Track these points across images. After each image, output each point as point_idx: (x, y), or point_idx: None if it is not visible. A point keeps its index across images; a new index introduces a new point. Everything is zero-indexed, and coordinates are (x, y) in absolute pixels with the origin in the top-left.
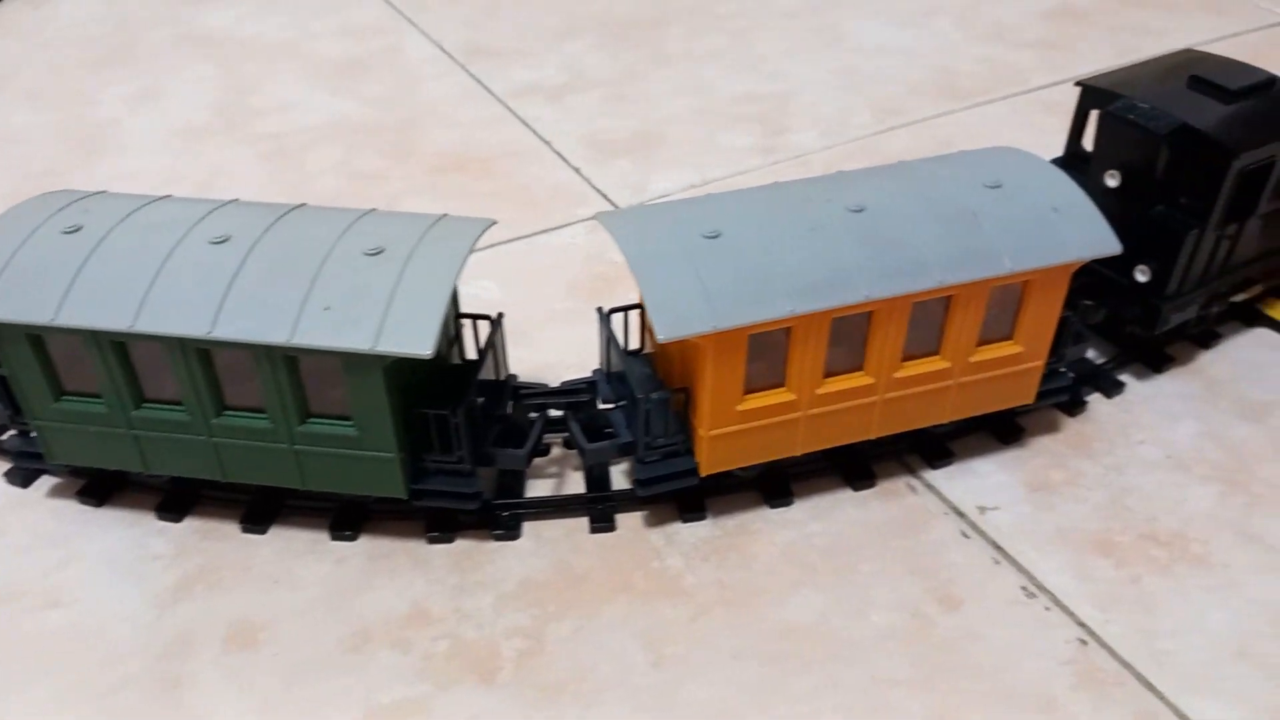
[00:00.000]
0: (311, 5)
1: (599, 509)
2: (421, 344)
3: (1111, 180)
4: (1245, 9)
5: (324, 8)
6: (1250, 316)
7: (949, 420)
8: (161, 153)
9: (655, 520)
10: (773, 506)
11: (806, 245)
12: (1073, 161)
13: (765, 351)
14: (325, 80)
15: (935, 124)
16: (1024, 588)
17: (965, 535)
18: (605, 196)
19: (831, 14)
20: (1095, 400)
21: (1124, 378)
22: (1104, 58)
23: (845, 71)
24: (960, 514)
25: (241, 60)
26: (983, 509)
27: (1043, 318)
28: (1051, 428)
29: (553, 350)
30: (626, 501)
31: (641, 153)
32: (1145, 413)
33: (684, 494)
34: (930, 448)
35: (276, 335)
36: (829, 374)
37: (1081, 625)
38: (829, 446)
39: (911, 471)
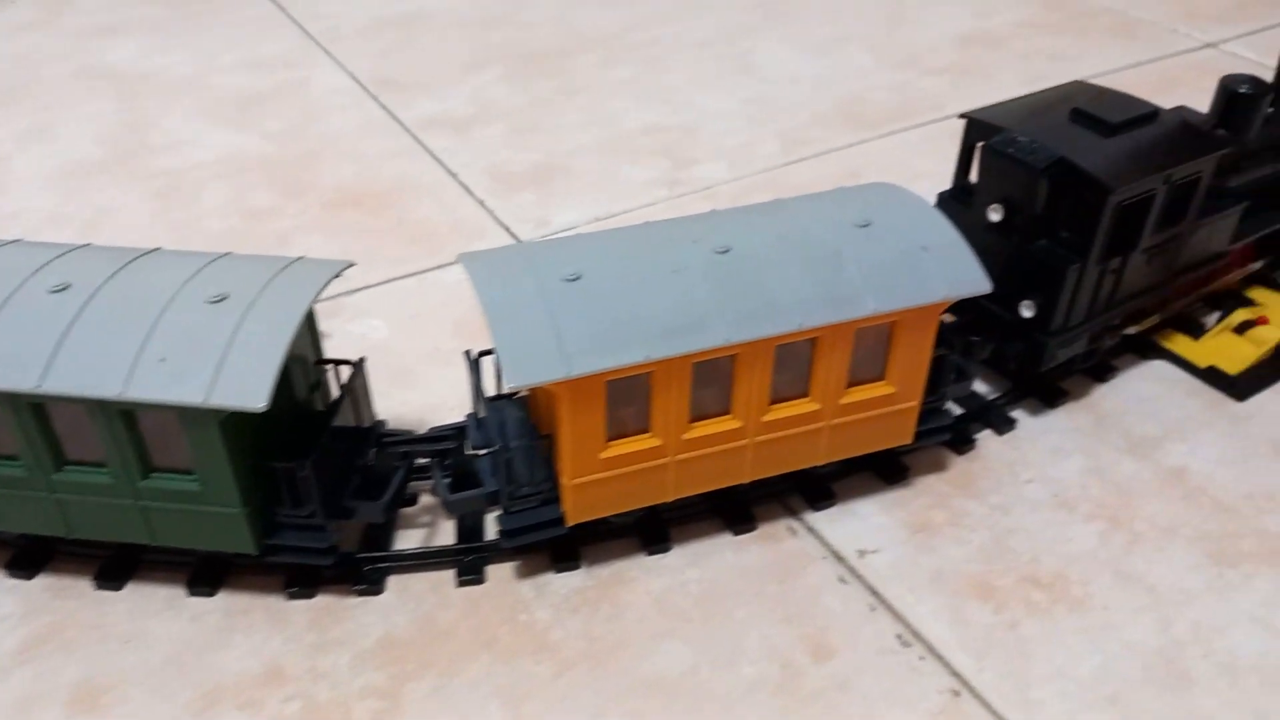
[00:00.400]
0: (221, 38)
1: (467, 561)
2: (256, 397)
3: (994, 214)
4: (1159, 35)
5: (234, 40)
6: (1145, 348)
7: (824, 462)
8: (46, 192)
9: (527, 571)
10: (650, 553)
11: (668, 288)
12: (960, 195)
13: (627, 397)
14: (226, 114)
15: (844, 154)
16: (899, 635)
17: (843, 580)
18: (508, 230)
19: (744, 42)
20: (985, 437)
21: (1016, 414)
22: (1015, 84)
23: (755, 101)
24: (839, 558)
25: (142, 95)
26: (862, 552)
27: (914, 357)
28: (938, 466)
29: (438, 391)
30: (496, 552)
31: (546, 185)
32: (1034, 450)
33: (557, 543)
34: (812, 489)
35: (109, 389)
36: (696, 418)
37: (955, 674)
38: (701, 491)
39: (793, 514)
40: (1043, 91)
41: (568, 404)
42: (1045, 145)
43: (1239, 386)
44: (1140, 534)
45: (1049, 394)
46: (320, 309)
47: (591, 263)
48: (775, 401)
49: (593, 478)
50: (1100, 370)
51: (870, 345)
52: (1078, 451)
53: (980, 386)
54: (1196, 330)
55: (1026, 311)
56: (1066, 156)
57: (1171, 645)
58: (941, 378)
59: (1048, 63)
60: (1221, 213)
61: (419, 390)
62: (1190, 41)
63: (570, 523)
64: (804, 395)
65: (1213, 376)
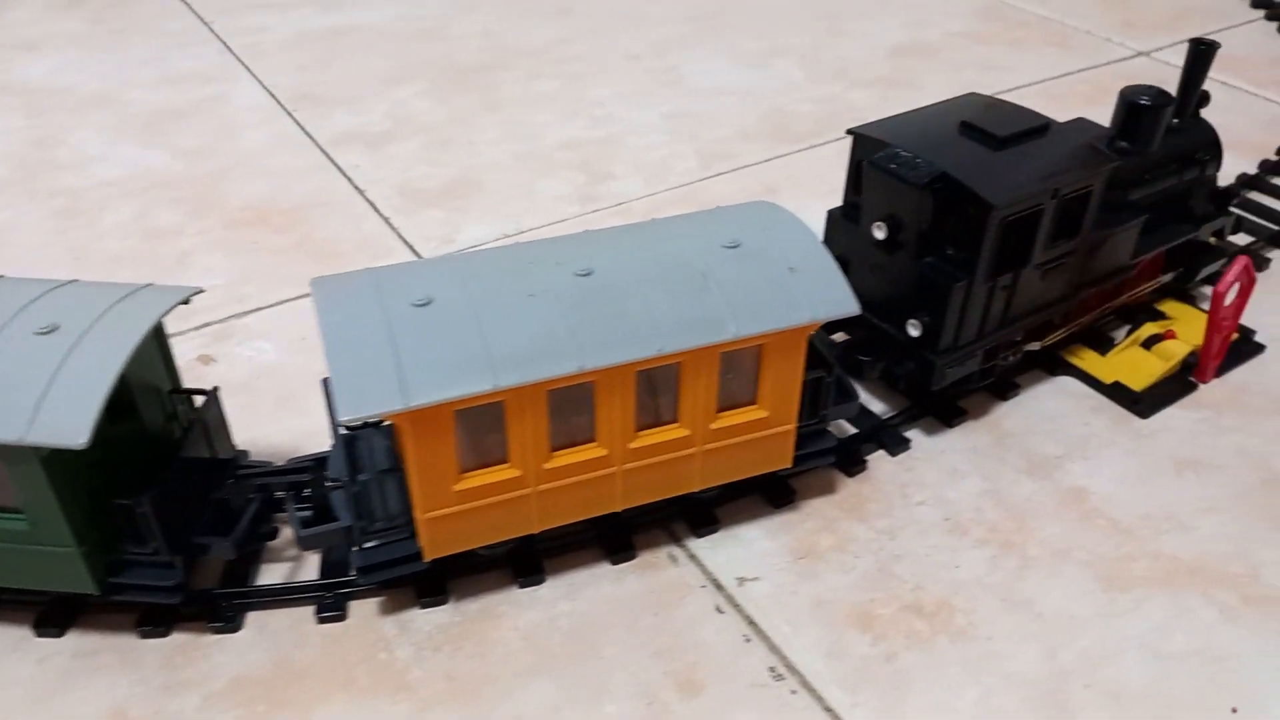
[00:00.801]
0: (142, 53)
1: (328, 597)
2: (77, 434)
3: (878, 232)
4: (1093, 45)
5: (154, 56)
6: (1052, 364)
7: (700, 489)
8: None
9: (391, 607)
10: (522, 586)
11: (522, 313)
12: (850, 212)
13: (481, 427)
14: (138, 131)
15: (763, 169)
16: (772, 668)
17: (720, 610)
18: (412, 248)
19: (674, 55)
20: (878, 459)
21: (912, 433)
22: (945, 95)
23: (679, 115)
24: (719, 586)
25: (53, 111)
26: (742, 580)
27: (785, 381)
28: (828, 489)
29: (324, 418)
30: (360, 588)
31: (457, 202)
32: (929, 470)
33: (422, 577)
34: (696, 514)
35: None
36: (559, 447)
37: (827, 710)
38: (570, 522)
39: (676, 540)
40: (935, 105)
41: (411, 436)
42: (928, 161)
43: (1143, 403)
44: (1032, 558)
45: (947, 413)
46: (209, 332)
47: (445, 288)
48: (643, 428)
49: (448, 511)
50: (1002, 387)
51: (739, 369)
52: (974, 472)
53: (876, 405)
54: (1105, 345)
55: (914, 330)
56: (949, 172)
57: (1056, 675)
58: (821, 399)
59: (980, 73)
60: (1122, 226)
61: (305, 416)
62: (1124, 51)
63: (428, 558)
64: (673, 421)
65: (1118, 393)
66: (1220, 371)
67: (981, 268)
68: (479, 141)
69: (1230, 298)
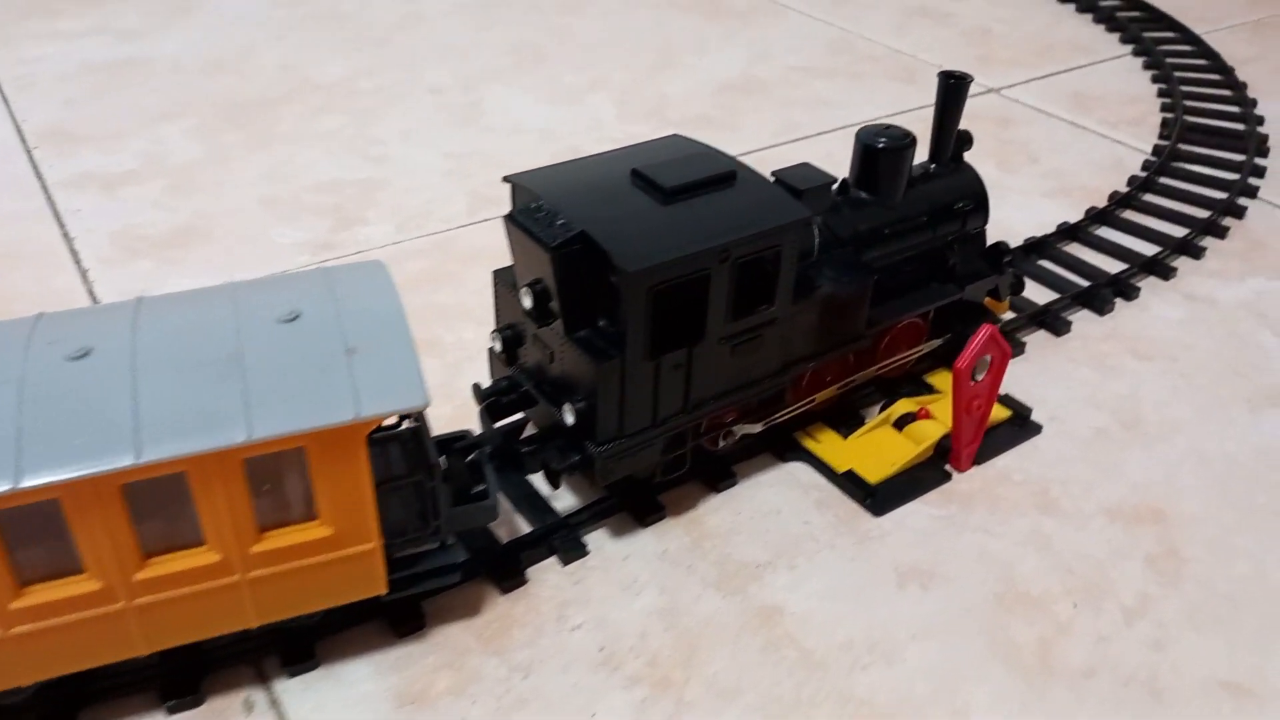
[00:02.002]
0: None
1: None
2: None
3: (525, 300)
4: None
5: None
6: (788, 446)
7: (256, 626)
8: None
9: None
10: None
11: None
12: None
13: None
14: None
15: None
16: None
17: None
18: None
19: (483, 89)
20: (546, 568)
21: (597, 535)
22: (762, 134)
23: (462, 155)
24: None
25: None
26: None
27: (348, 491)
28: (471, 610)
29: None
30: None
31: (174, 252)
32: (601, 583)
33: None
34: (291, 648)
35: None
36: (32, 581)
37: None
38: (63, 673)
39: (264, 680)
40: (628, 148)
41: None
42: (572, 216)
43: (877, 497)
44: (690, 702)
45: (641, 509)
46: None
47: None
48: (154, 554)
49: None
50: (716, 475)
51: (283, 478)
52: (653, 585)
53: (568, 499)
54: (856, 424)
55: (569, 417)
56: (588, 230)
57: None
58: (427, 508)
59: (808, 110)
60: (845, 290)
61: None
62: (975, 88)
63: None
64: (198, 544)
65: (850, 484)
66: (981, 457)
67: (632, 345)
68: (229, 183)
69: (981, 374)
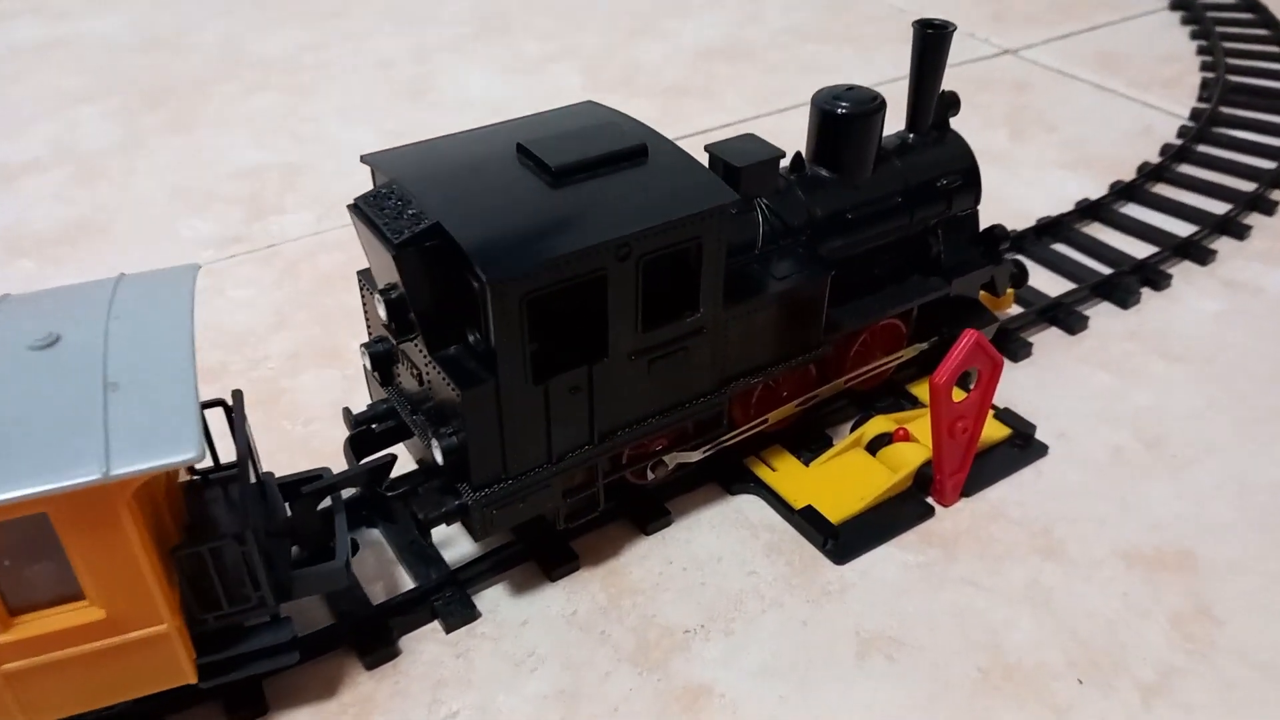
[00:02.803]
0: None
1: None
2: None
3: (381, 309)
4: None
5: None
6: (735, 476)
7: None
8: None
9: None
10: None
11: None
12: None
13: None
14: None
15: None
16: None
17: None
18: None
19: (437, 61)
20: (425, 635)
21: (493, 591)
22: (742, 106)
23: (402, 134)
24: None
25: None
26: None
27: (120, 562)
28: (327, 690)
29: None
30: None
31: (62, 249)
32: (491, 656)
33: None
34: None
35: None
36: None
37: None
38: None
39: None
40: (527, 118)
41: None
42: (427, 205)
43: (841, 541)
44: None
45: (550, 558)
46: None
47: None
48: None
49: None
50: (645, 514)
51: (30, 550)
52: (555, 660)
53: (461, 545)
54: (820, 445)
55: (438, 454)
56: (443, 223)
57: None
58: (250, 582)
59: (797, 77)
60: (795, 289)
61: None
62: (987, 49)
63: None
64: None
65: (810, 524)
66: (970, 488)
67: (507, 366)
68: (141, 171)
69: (970, 388)
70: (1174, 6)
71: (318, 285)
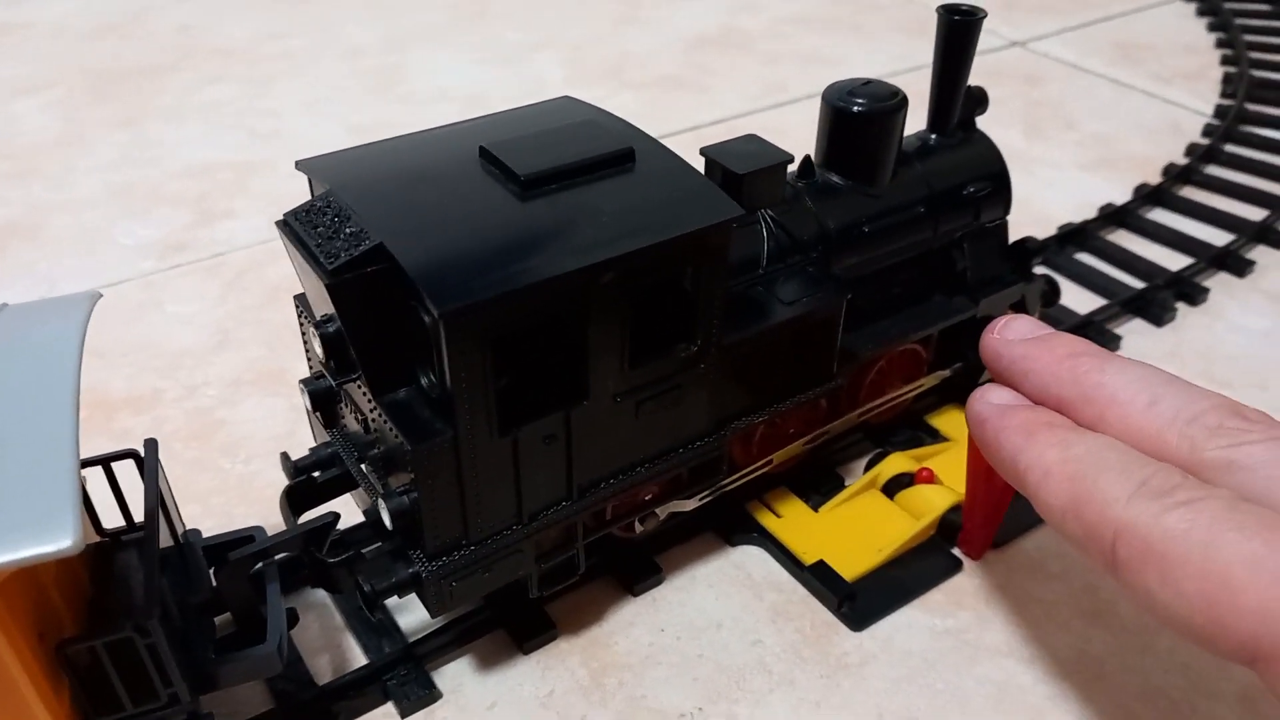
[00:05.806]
0: None
1: None
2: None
3: (317, 344)
4: None
5: None
6: (734, 527)
7: None
8: None
9: None
10: None
11: None
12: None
13: None
14: None
15: None
16: None
17: None
18: None
19: (409, 51)
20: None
21: (457, 665)
22: (736, 101)
23: (370, 129)
24: None
25: None
26: None
27: None
28: None
29: None
30: None
31: None
32: None
33: None
34: None
35: None
36: None
37: None
38: None
39: None
40: (491, 117)
41: None
42: (369, 222)
43: (859, 603)
44: None
45: (523, 628)
46: None
47: None
48: None
49: None
50: (633, 572)
51: None
52: None
53: (418, 613)
54: (831, 486)
55: (386, 517)
56: (387, 244)
57: None
58: (148, 672)
59: (796, 68)
60: (806, 314)
61: None
62: (995, 40)
63: None
64: None
65: (822, 582)
66: (1002, 537)
67: (466, 416)
68: (81, 168)
69: None
70: None
71: (265, 299)
